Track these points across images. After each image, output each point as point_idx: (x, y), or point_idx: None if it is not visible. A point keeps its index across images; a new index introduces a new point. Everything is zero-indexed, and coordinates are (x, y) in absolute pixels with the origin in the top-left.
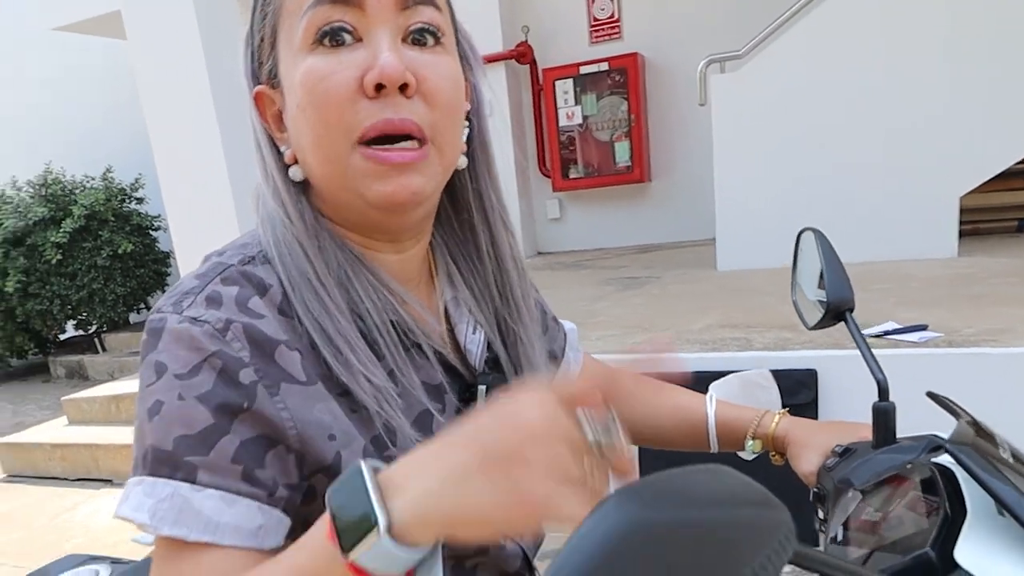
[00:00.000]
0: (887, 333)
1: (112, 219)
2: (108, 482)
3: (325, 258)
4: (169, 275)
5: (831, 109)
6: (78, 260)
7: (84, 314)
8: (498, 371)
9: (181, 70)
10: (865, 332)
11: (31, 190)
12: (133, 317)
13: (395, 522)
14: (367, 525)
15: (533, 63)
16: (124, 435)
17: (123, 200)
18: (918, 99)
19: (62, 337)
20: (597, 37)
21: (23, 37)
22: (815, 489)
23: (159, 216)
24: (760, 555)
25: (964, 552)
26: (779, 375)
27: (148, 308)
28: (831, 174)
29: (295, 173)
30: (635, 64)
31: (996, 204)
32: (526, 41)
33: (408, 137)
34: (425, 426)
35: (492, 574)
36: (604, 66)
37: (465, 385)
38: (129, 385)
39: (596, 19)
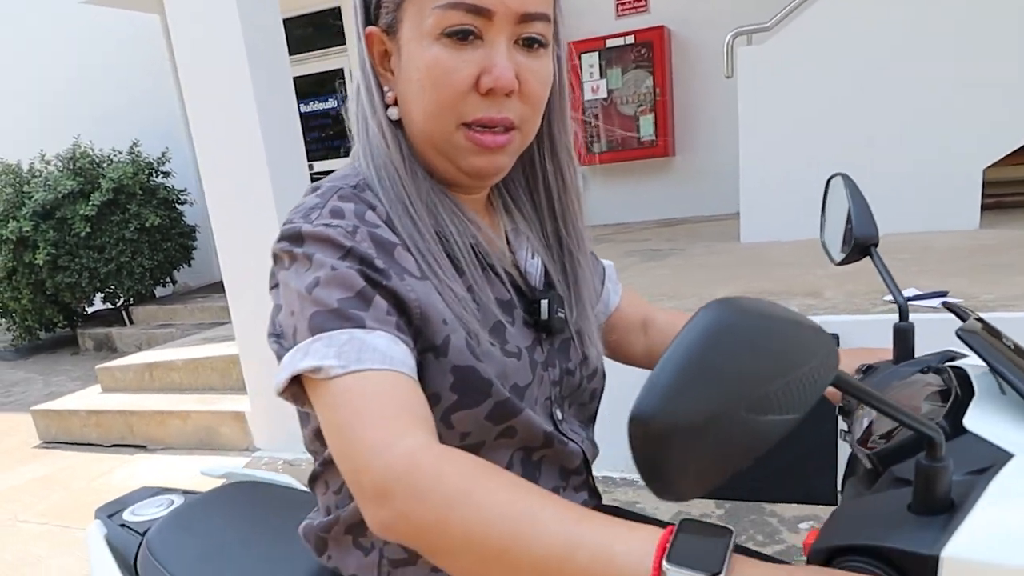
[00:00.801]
0: (908, 299)
1: (139, 193)
2: (142, 448)
3: (417, 186)
4: (195, 248)
5: (857, 81)
6: (106, 233)
7: (112, 287)
8: (554, 289)
9: (218, 42)
10: (886, 298)
11: (60, 164)
12: (159, 291)
13: None
14: (705, 568)
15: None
16: (157, 402)
17: (150, 174)
18: (942, 72)
19: (90, 310)
20: (623, 10)
21: (52, 12)
22: (840, 404)
23: (185, 190)
24: (812, 362)
25: (971, 420)
26: None
27: (174, 282)
28: (855, 146)
29: (393, 113)
30: (661, 37)
31: (1020, 177)
32: None
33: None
34: (499, 334)
35: (554, 467)
36: (630, 39)
37: (528, 302)
38: (162, 354)
39: None
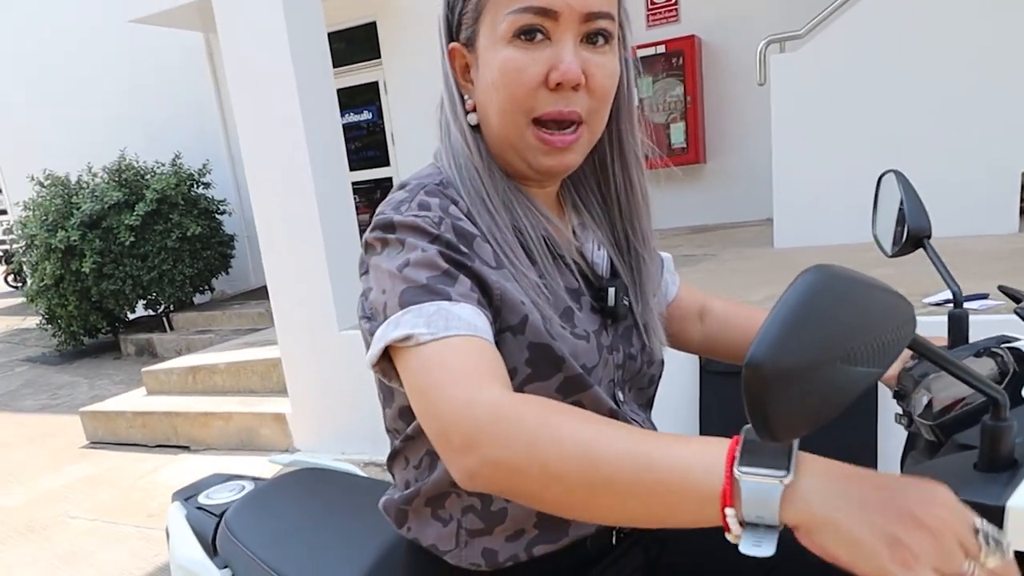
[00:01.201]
0: (947, 301)
1: (181, 203)
2: (186, 448)
3: (495, 184)
4: (233, 257)
5: (891, 86)
6: (150, 242)
7: (154, 294)
8: (619, 278)
9: (267, 56)
10: (925, 300)
11: (106, 175)
12: (198, 298)
13: (794, 487)
14: (774, 466)
15: None
16: (200, 404)
17: (191, 185)
18: (977, 74)
19: (131, 316)
20: (654, 20)
21: (100, 30)
22: (896, 389)
23: (224, 200)
24: (891, 325)
25: None
26: None
27: (212, 289)
28: (890, 151)
29: (472, 119)
30: (692, 46)
31: None
32: None
33: (571, 122)
34: (568, 318)
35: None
36: (661, 49)
37: (595, 289)
38: (204, 358)
39: (653, 2)
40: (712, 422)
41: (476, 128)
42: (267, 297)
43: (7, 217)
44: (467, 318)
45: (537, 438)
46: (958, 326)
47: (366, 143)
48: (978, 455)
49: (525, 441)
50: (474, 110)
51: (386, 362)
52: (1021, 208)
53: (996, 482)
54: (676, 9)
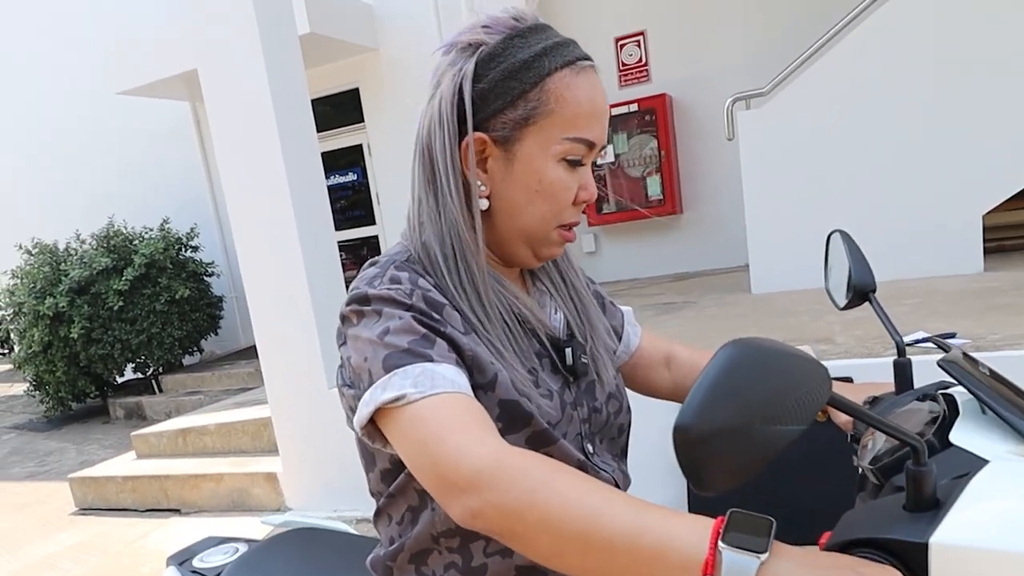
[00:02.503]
0: (918, 342)
1: (170, 266)
2: (176, 511)
3: (482, 265)
4: (222, 318)
5: (853, 137)
6: (138, 306)
7: (143, 357)
8: (575, 338)
9: (253, 123)
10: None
11: (94, 242)
12: (187, 359)
13: (768, 566)
14: (753, 547)
15: None
16: (191, 466)
17: (179, 249)
18: (938, 123)
19: (120, 380)
20: (626, 80)
21: (88, 97)
22: (851, 434)
23: (212, 262)
24: (807, 386)
25: (956, 435)
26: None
27: (201, 351)
28: (856, 198)
29: (483, 204)
30: (663, 104)
31: (1020, 221)
32: None
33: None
34: (535, 374)
35: None
36: (634, 107)
37: (556, 350)
38: (194, 420)
39: (624, 64)
40: None
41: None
42: (256, 356)
43: None
44: (450, 376)
45: (537, 489)
46: (902, 373)
47: (352, 203)
48: (905, 497)
49: (528, 489)
50: (486, 196)
51: (371, 426)
52: (985, 249)
53: (920, 520)
54: (647, 70)
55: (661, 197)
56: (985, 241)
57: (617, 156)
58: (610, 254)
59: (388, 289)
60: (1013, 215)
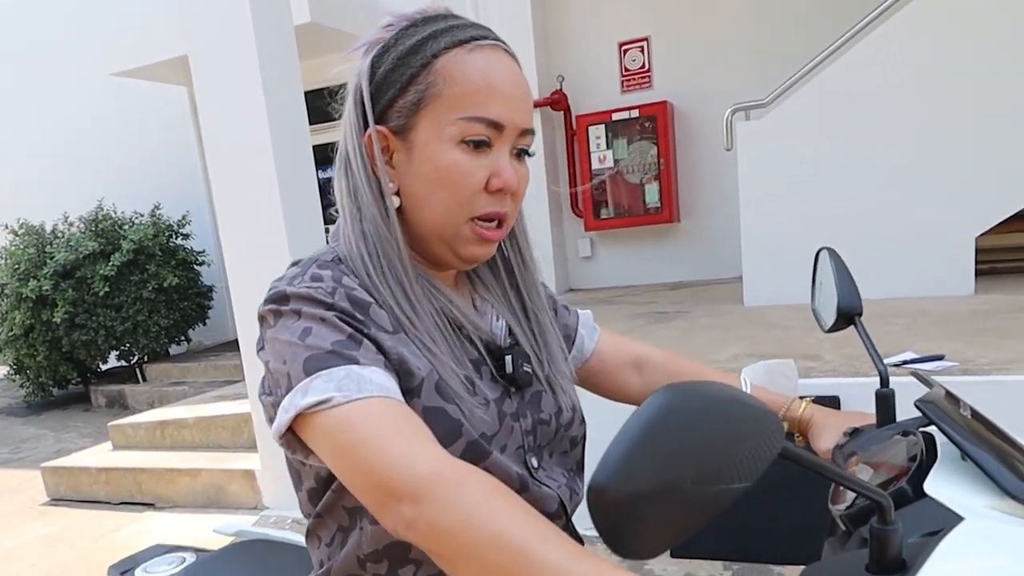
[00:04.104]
0: (905, 363)
1: (159, 253)
2: (150, 506)
3: (408, 264)
4: (211, 307)
5: (850, 153)
6: (125, 292)
7: (127, 345)
8: (519, 346)
9: (243, 113)
10: (886, 361)
11: (82, 225)
12: (174, 349)
13: None
14: None
15: (567, 110)
16: (168, 460)
17: (170, 236)
18: (934, 143)
19: (104, 367)
20: (628, 86)
21: (81, 80)
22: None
23: (204, 251)
24: (754, 440)
25: (931, 484)
26: (811, 397)
27: (188, 340)
28: (851, 214)
29: (395, 202)
30: (664, 111)
31: (1014, 244)
32: (561, 89)
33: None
34: (469, 387)
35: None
36: (635, 113)
37: (496, 359)
38: (174, 412)
39: (628, 69)
40: None
41: (397, 211)
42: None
43: None
44: (378, 380)
45: (475, 510)
46: (885, 404)
47: None
48: (869, 555)
49: (463, 508)
50: (396, 193)
51: (291, 435)
52: (977, 271)
53: None
54: (649, 76)
55: (659, 205)
56: (978, 263)
57: (616, 162)
58: (606, 260)
59: (308, 288)
60: (1006, 238)
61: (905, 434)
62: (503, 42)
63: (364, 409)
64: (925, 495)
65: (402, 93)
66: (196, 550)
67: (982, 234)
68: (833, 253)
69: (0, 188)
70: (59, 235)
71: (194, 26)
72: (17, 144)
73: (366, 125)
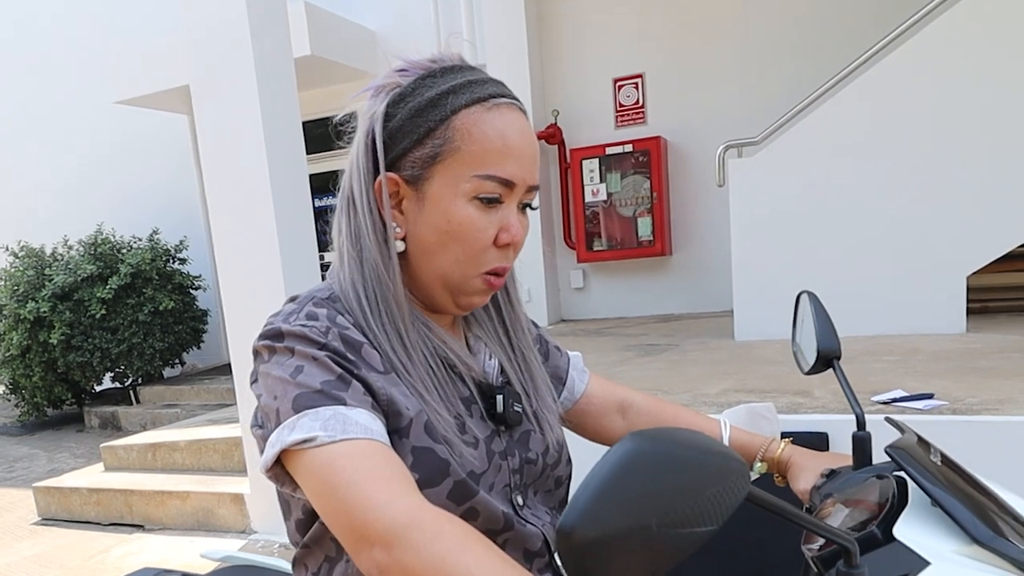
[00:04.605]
0: (895, 400)
1: (156, 277)
2: (140, 527)
3: (405, 308)
4: (206, 332)
5: (841, 191)
6: (121, 315)
7: (122, 367)
8: (510, 385)
9: (241, 142)
10: (874, 399)
11: (81, 249)
12: (167, 371)
13: None
14: None
15: (562, 143)
16: (158, 482)
17: (167, 260)
18: (924, 183)
19: (98, 388)
20: (622, 121)
21: (84, 107)
22: (807, 505)
23: (200, 276)
24: (720, 485)
25: (900, 528)
26: (791, 438)
27: (182, 364)
28: (843, 251)
29: (399, 246)
30: (658, 146)
31: (1006, 284)
32: (556, 123)
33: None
34: (459, 425)
35: (518, 550)
36: (629, 147)
37: (487, 396)
38: (165, 435)
39: (622, 104)
40: None
41: (400, 255)
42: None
43: None
44: (363, 423)
45: (447, 558)
46: (861, 447)
47: None
48: None
49: (436, 556)
50: (402, 239)
51: (279, 468)
52: (969, 309)
53: None
54: (643, 112)
55: (651, 238)
56: (970, 302)
57: (610, 195)
58: (598, 291)
59: (303, 326)
60: (999, 277)
61: (880, 477)
62: (518, 100)
63: (346, 450)
64: (895, 539)
65: (418, 145)
66: (184, 574)
67: (975, 273)
68: (813, 297)
69: (3, 211)
70: (58, 258)
71: (196, 56)
72: (21, 168)
73: (376, 169)
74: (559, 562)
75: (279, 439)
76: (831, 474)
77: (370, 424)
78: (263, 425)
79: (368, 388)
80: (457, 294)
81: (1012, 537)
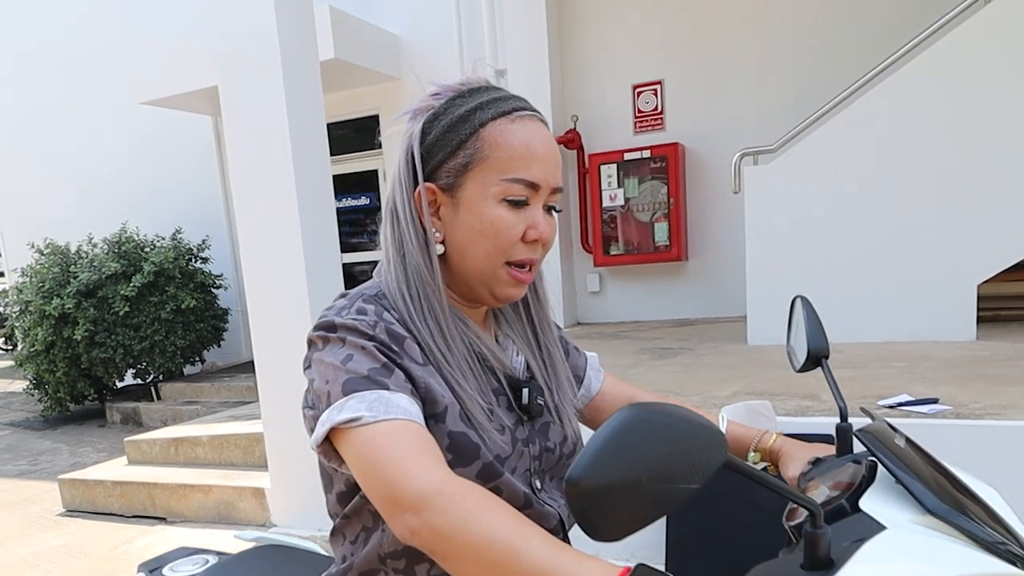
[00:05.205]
0: (900, 404)
1: (178, 276)
2: (162, 520)
3: (445, 304)
4: (226, 330)
5: (855, 200)
6: (144, 313)
7: (144, 364)
8: (534, 380)
9: (268, 145)
10: (880, 403)
11: (106, 247)
12: (188, 369)
13: None
14: None
15: (580, 148)
16: (181, 475)
17: (189, 259)
18: (936, 192)
19: (119, 385)
20: (641, 127)
21: (111, 108)
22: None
23: (221, 275)
24: (701, 451)
25: (866, 501)
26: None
27: (203, 361)
28: (855, 258)
29: (439, 249)
30: (675, 152)
31: (1017, 293)
32: (575, 129)
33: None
34: (490, 412)
35: None
36: (647, 153)
37: (513, 390)
38: (188, 430)
39: (641, 111)
40: (678, 517)
41: (440, 257)
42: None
43: (4, 280)
44: (404, 405)
45: (470, 518)
46: (844, 437)
47: (363, 227)
48: (803, 556)
49: (461, 516)
50: (441, 242)
51: (328, 445)
52: (980, 318)
53: None
54: (662, 118)
55: (668, 243)
56: (981, 310)
57: (627, 200)
58: (614, 295)
59: (354, 319)
60: (1010, 286)
61: (857, 462)
62: (539, 112)
63: (387, 429)
64: (860, 510)
65: (451, 156)
66: (218, 553)
67: (987, 282)
68: (805, 301)
69: (31, 209)
70: (83, 255)
71: (225, 59)
72: (46, 167)
73: (416, 181)
74: (568, 507)
75: (329, 418)
76: (817, 462)
77: (409, 407)
78: (314, 407)
79: (409, 376)
80: (491, 285)
81: (963, 510)
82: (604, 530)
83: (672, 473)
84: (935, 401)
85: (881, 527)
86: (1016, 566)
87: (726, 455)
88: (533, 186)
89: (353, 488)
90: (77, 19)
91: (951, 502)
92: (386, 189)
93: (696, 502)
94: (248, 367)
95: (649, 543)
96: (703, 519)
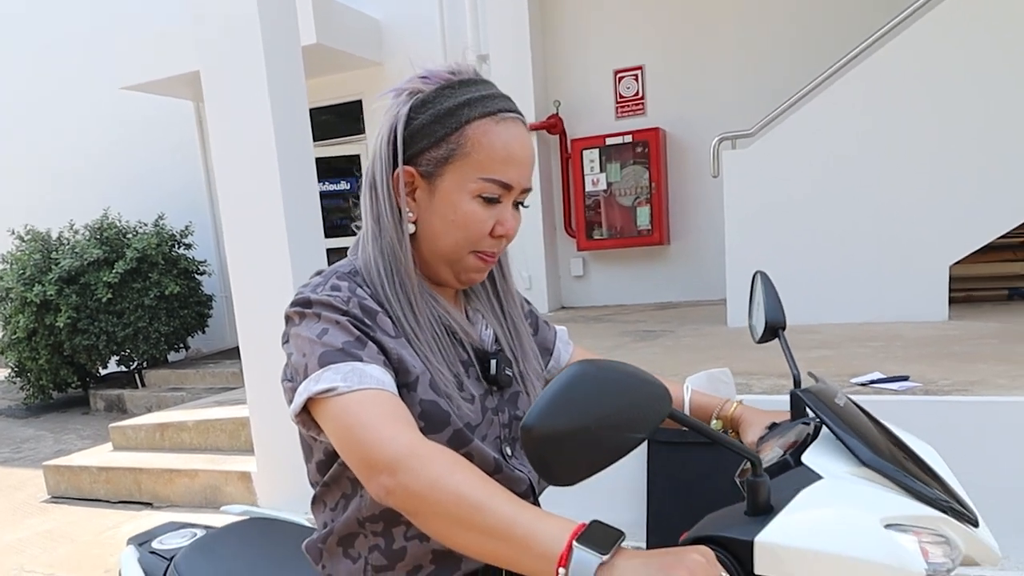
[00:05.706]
0: (872, 382)
1: (162, 262)
2: (148, 505)
3: (414, 280)
4: (210, 316)
5: (830, 182)
6: (127, 299)
7: (127, 350)
8: (503, 352)
9: (250, 129)
10: (852, 380)
11: (88, 233)
12: (172, 355)
13: (609, 564)
14: (599, 549)
15: (563, 133)
16: (167, 461)
17: (173, 245)
18: (910, 175)
19: (103, 372)
20: (623, 112)
21: (91, 93)
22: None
23: (205, 261)
24: (647, 403)
25: (808, 455)
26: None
27: (187, 348)
28: (831, 241)
29: (410, 228)
30: (657, 137)
31: (988, 274)
32: (557, 114)
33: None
34: (458, 383)
35: None
36: (628, 138)
37: (482, 360)
38: (173, 415)
39: (622, 96)
40: (659, 487)
41: (411, 236)
42: (241, 357)
43: None
44: (377, 376)
45: (440, 478)
46: (798, 403)
47: (346, 212)
48: (746, 502)
49: (432, 477)
50: (413, 222)
51: (306, 415)
52: (952, 298)
53: (753, 523)
54: (643, 103)
55: (649, 227)
56: (953, 291)
57: (610, 185)
58: (598, 279)
59: (328, 295)
60: (982, 267)
61: (807, 424)
62: (521, 114)
63: (361, 398)
64: (802, 463)
65: (435, 146)
66: (205, 527)
67: (959, 263)
68: (765, 277)
69: (10, 195)
70: (65, 242)
71: (207, 44)
72: (28, 153)
73: (396, 161)
74: (523, 453)
75: (306, 389)
76: (773, 426)
77: (382, 377)
78: (292, 379)
79: (381, 348)
80: (457, 270)
81: (897, 463)
82: (558, 474)
83: (619, 422)
84: (906, 379)
85: (818, 476)
86: (946, 515)
87: (670, 407)
88: (507, 187)
89: (332, 456)
90: (57, 3)
91: (887, 456)
92: (366, 161)
93: (676, 478)
94: (233, 353)
95: (631, 519)
96: (683, 495)
